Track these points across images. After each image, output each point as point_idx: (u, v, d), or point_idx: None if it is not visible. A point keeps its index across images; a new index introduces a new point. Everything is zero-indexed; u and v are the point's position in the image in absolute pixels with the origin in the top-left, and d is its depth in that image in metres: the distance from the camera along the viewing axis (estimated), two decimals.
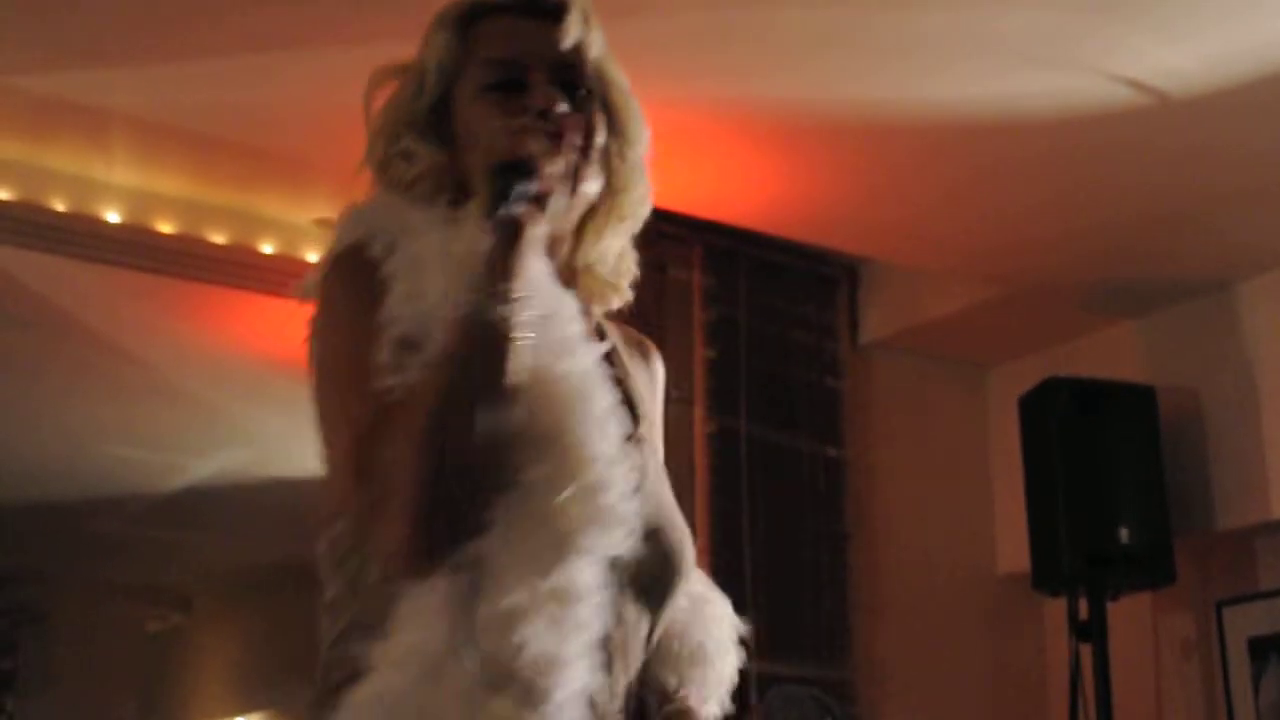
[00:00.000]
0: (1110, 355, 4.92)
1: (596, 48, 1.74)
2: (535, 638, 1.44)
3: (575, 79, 1.72)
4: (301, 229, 4.19)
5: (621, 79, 1.78)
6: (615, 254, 1.79)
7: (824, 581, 4.54)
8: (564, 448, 1.52)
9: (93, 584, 7.58)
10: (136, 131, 3.81)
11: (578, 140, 1.68)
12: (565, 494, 1.49)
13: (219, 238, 4.09)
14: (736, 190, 4.04)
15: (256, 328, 4.54)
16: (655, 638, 1.68)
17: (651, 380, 1.87)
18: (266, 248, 4.15)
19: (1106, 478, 4.39)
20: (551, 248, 1.69)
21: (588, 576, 1.49)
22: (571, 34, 1.72)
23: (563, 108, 1.68)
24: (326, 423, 1.64)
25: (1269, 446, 4.54)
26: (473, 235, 1.56)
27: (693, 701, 1.73)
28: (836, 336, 4.90)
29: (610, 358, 1.73)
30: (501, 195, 1.54)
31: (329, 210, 4.18)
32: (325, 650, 1.63)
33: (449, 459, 1.46)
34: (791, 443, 4.58)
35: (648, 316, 4.44)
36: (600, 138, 1.72)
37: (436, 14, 1.79)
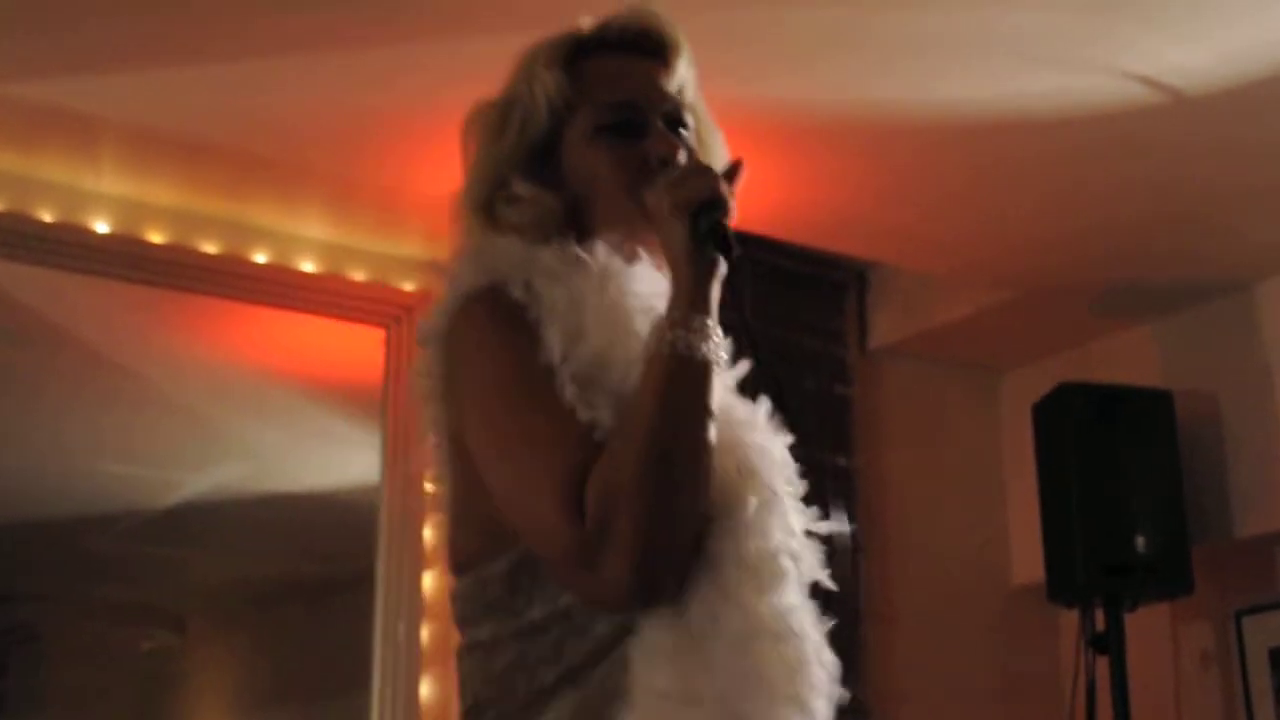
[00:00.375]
0: (1126, 359, 4.90)
1: (692, 86, 1.82)
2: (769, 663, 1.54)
3: (682, 120, 1.80)
4: (295, 238, 4.19)
5: (705, 110, 1.85)
6: None
7: (834, 592, 4.52)
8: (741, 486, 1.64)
9: (85, 603, 7.56)
10: (125, 139, 3.80)
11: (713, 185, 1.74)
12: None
13: (211, 247, 4.07)
14: (741, 194, 4.01)
15: (251, 339, 4.53)
16: None
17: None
18: (259, 257, 4.14)
19: (1122, 485, 4.37)
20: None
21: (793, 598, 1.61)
22: (680, 78, 1.80)
23: (682, 156, 1.75)
24: (501, 448, 1.64)
25: None
26: (646, 276, 1.68)
27: None
28: (845, 342, 4.89)
29: None
30: (710, 235, 1.62)
31: (323, 220, 4.20)
32: (482, 686, 1.65)
33: (675, 498, 1.54)
34: (800, 451, 4.56)
35: None
36: None
37: (538, 48, 1.84)
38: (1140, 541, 4.33)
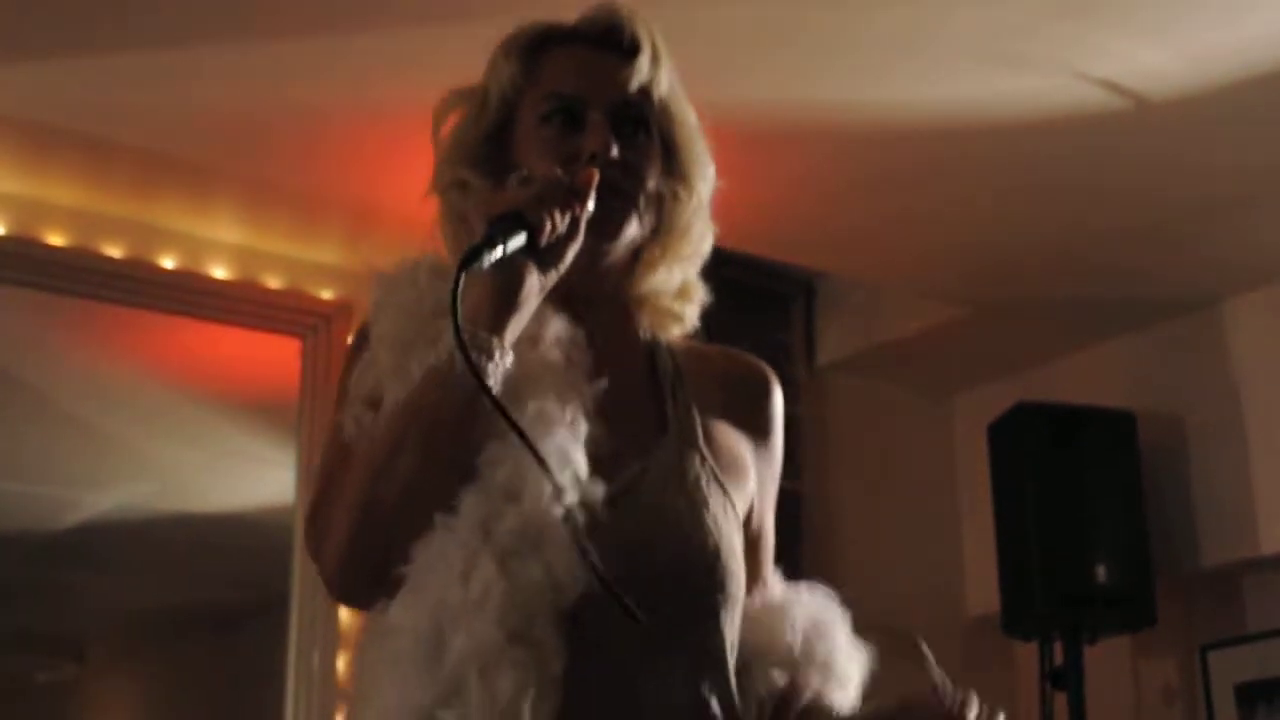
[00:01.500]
0: (1087, 378, 4.93)
1: (664, 85, 1.84)
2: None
3: (637, 119, 1.82)
4: (205, 242, 4.16)
5: (687, 115, 1.88)
6: (675, 285, 1.90)
7: None
8: (494, 479, 1.60)
9: None
10: (23, 134, 3.77)
11: (623, 186, 1.77)
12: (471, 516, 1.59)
13: (115, 251, 4.04)
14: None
15: (157, 350, 4.49)
16: (711, 647, 1.74)
17: (742, 408, 1.92)
18: (167, 262, 4.11)
19: (1083, 511, 4.40)
20: (595, 281, 1.80)
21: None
22: (640, 75, 1.82)
23: (614, 152, 1.77)
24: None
25: (1257, 478, 4.56)
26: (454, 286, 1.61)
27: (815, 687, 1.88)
28: (792, 358, 4.90)
29: (649, 382, 1.85)
30: (488, 244, 1.60)
31: (235, 223, 4.17)
32: None
33: (382, 503, 1.62)
34: None
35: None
36: (651, 182, 1.82)
37: (506, 38, 1.88)
38: (1101, 571, 4.36)
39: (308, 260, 4.29)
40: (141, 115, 3.68)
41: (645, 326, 1.90)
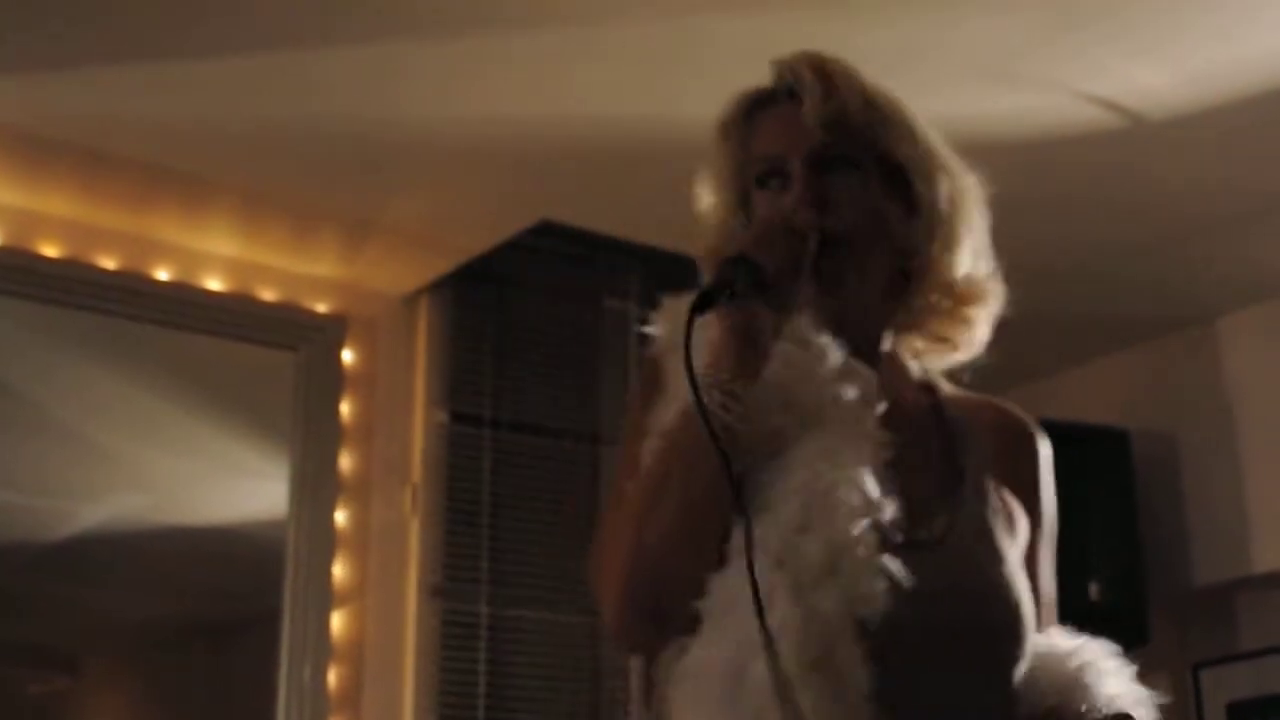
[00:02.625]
0: (1081, 395, 4.92)
1: (860, 110, 1.81)
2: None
3: (834, 157, 1.80)
4: (200, 254, 4.14)
5: (908, 130, 1.87)
6: (934, 309, 1.87)
7: None
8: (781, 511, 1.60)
9: None
10: (17, 145, 3.75)
11: (824, 226, 1.74)
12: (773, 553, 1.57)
13: (109, 262, 4.02)
14: (675, 212, 4.02)
15: (151, 362, 4.47)
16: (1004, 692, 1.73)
17: (1012, 461, 1.90)
18: (161, 274, 4.09)
19: (1076, 529, 4.36)
20: (843, 325, 1.74)
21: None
22: (818, 114, 1.79)
23: (802, 197, 1.75)
24: None
25: (1251, 496, 4.55)
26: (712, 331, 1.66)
27: None
28: None
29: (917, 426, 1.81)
30: (720, 286, 1.61)
31: (230, 236, 4.16)
32: None
33: (648, 547, 1.61)
34: None
35: (583, 348, 4.42)
36: (861, 211, 1.78)
37: (720, 119, 1.89)
38: (1094, 589, 4.34)
39: (302, 273, 4.28)
40: (136, 127, 3.66)
41: (918, 367, 1.90)
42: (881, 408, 1.72)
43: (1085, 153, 3.81)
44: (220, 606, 5.43)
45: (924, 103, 3.59)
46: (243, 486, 4.87)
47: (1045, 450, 1.95)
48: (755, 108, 1.86)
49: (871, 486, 1.62)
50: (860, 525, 1.59)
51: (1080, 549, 4.36)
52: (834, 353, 1.71)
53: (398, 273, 4.32)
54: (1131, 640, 4.42)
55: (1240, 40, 3.39)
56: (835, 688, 1.53)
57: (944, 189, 1.87)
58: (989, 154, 4.00)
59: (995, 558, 1.75)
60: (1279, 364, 4.64)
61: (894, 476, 1.66)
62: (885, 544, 1.60)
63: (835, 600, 1.55)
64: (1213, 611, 4.76)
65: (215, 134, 3.71)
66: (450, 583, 4.26)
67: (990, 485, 1.82)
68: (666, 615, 1.62)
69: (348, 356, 4.35)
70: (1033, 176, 3.94)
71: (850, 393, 1.70)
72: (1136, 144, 3.78)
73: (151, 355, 4.43)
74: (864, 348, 1.78)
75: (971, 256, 1.91)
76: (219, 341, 4.25)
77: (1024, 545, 1.85)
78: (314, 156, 3.80)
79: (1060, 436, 4.49)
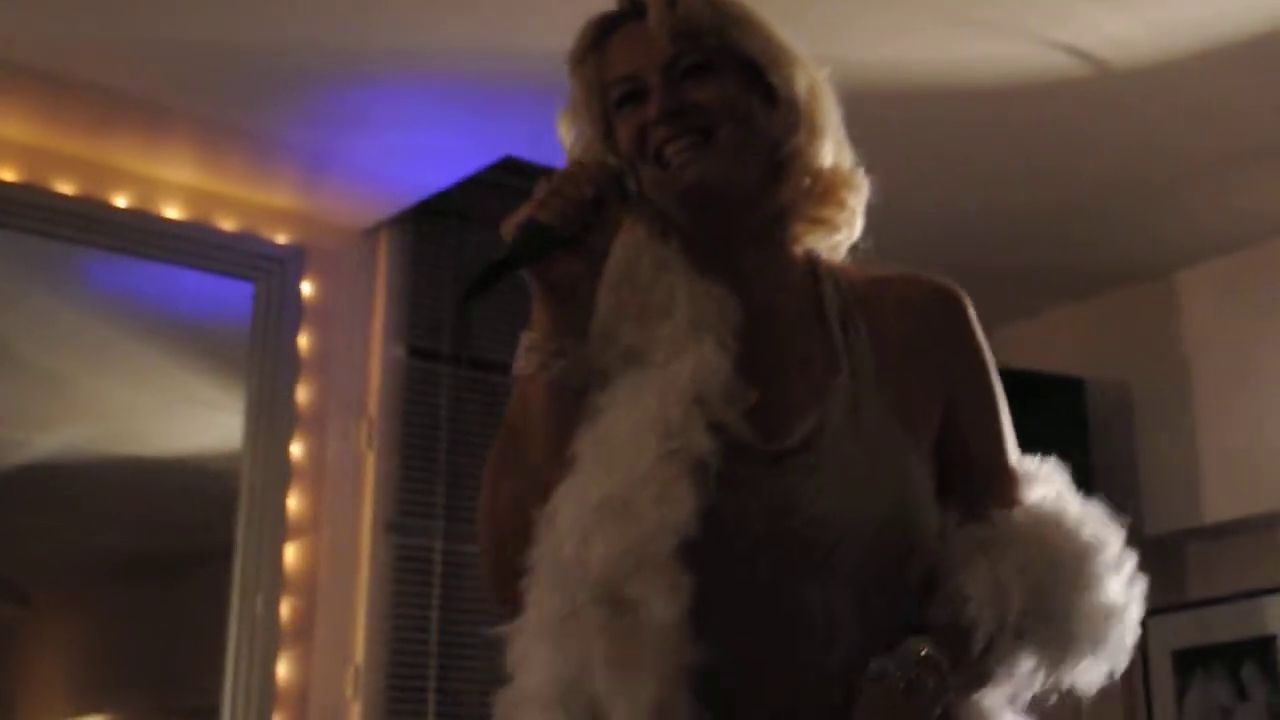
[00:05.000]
0: (1038, 344, 4.94)
1: (707, 14, 1.81)
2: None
3: (690, 65, 1.80)
4: (159, 182, 4.11)
5: (758, 27, 1.84)
6: (807, 190, 1.85)
7: None
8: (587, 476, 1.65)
9: None
10: None
11: (683, 126, 1.77)
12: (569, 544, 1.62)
13: (67, 188, 4.00)
14: None
15: (106, 289, 4.44)
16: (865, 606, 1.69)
17: (925, 333, 1.85)
18: (120, 201, 4.06)
19: None
20: (728, 225, 1.80)
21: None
22: (667, 24, 1.80)
23: (659, 110, 1.77)
24: None
25: (1202, 448, 4.59)
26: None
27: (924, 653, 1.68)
28: None
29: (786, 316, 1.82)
30: (494, 269, 1.68)
31: (190, 164, 4.11)
32: None
33: (497, 513, 1.73)
34: None
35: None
36: (721, 105, 1.78)
37: (570, 52, 1.90)
38: None
39: (262, 203, 4.26)
40: (96, 49, 3.62)
41: (801, 254, 1.87)
42: (735, 317, 1.75)
43: (1051, 103, 3.81)
44: (174, 539, 5.41)
45: (890, 47, 3.60)
46: (198, 418, 4.85)
47: (960, 310, 1.89)
48: (603, 33, 1.87)
49: (677, 415, 1.65)
50: (650, 462, 1.62)
51: None
52: (663, 279, 1.77)
53: (359, 206, 4.30)
54: None
55: None
56: (630, 620, 1.57)
57: (801, 81, 1.85)
58: (954, 100, 4.02)
59: (874, 452, 1.73)
60: (1235, 319, 4.67)
61: (745, 388, 1.70)
62: (700, 467, 1.63)
63: (621, 539, 1.59)
64: (1163, 561, 4.80)
65: (176, 58, 3.67)
66: (405, 518, 4.26)
67: (887, 369, 1.80)
68: (516, 576, 1.67)
69: (306, 288, 4.33)
70: (997, 124, 3.95)
71: (673, 319, 1.74)
72: (1101, 96, 3.78)
73: (108, 283, 4.40)
74: (746, 241, 1.82)
75: (835, 146, 1.89)
76: (177, 270, 4.22)
77: (936, 422, 1.81)
78: (277, 86, 3.77)
79: (1016, 384, 4.51)
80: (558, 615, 1.61)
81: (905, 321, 1.85)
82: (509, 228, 1.71)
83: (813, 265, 1.88)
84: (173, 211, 4.13)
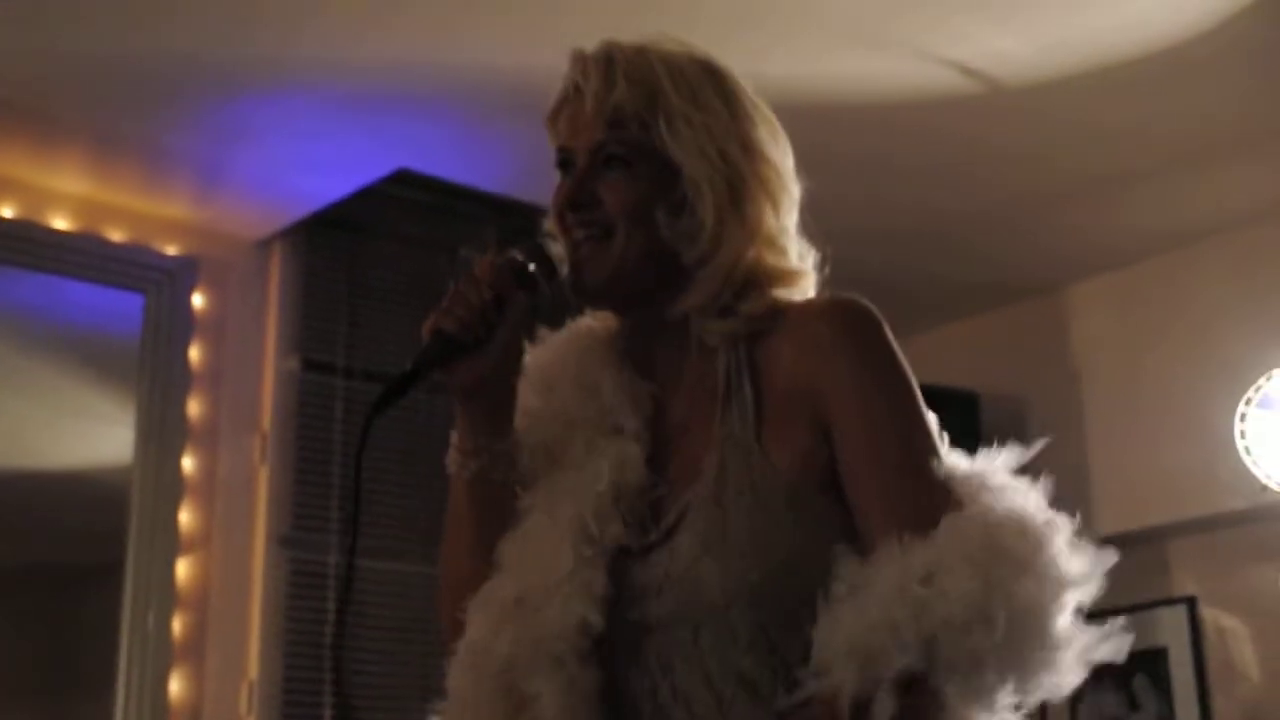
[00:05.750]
0: (932, 359, 4.96)
1: (638, 107, 1.81)
2: None
3: (610, 154, 1.82)
4: (48, 192, 4.06)
5: (692, 128, 1.84)
6: (712, 295, 1.82)
7: None
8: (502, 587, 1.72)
9: None
10: None
11: (584, 225, 1.80)
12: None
13: None
14: (533, 166, 4.00)
15: None
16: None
17: (804, 356, 1.78)
18: (7, 212, 4.01)
19: None
20: (644, 317, 1.84)
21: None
22: (592, 108, 1.81)
23: (567, 201, 1.81)
24: None
25: (1094, 461, 4.64)
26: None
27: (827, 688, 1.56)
28: None
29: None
30: (394, 388, 1.73)
31: (79, 174, 4.05)
32: None
33: (443, 589, 1.82)
34: None
35: (438, 298, 4.39)
36: (624, 208, 1.79)
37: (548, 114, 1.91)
38: None
39: (153, 214, 4.21)
40: None
41: (709, 337, 1.82)
42: (647, 409, 1.81)
43: (943, 118, 3.84)
44: (63, 552, 5.34)
45: (784, 64, 3.61)
46: (88, 431, 4.79)
47: (843, 324, 1.81)
48: (563, 101, 1.87)
49: (595, 519, 1.72)
50: (567, 565, 1.69)
51: None
52: (589, 374, 1.83)
53: (251, 217, 4.26)
54: None
55: (1097, 10, 3.44)
56: (528, 714, 1.66)
57: (715, 188, 1.83)
58: (848, 116, 4.04)
59: (736, 520, 1.69)
60: (1126, 332, 4.72)
61: (655, 481, 1.76)
62: (595, 564, 1.70)
63: (527, 634, 1.67)
64: None
65: (66, 68, 3.63)
66: (299, 532, 4.23)
67: (769, 423, 1.75)
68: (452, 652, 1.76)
69: (198, 300, 4.28)
70: (890, 140, 3.97)
71: (592, 419, 1.80)
72: (993, 111, 3.82)
73: None
74: (657, 333, 1.84)
75: (758, 245, 1.86)
76: (66, 282, 4.17)
77: (825, 462, 1.72)
78: (169, 96, 3.73)
79: None
80: (459, 700, 1.70)
81: (790, 356, 1.79)
82: (425, 331, 1.75)
83: (729, 338, 1.82)
84: (61, 222, 4.08)
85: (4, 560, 6.47)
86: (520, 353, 1.79)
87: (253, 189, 4.13)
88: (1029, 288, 4.82)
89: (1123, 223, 4.44)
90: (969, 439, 5.13)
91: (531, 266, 1.77)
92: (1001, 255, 4.64)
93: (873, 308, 1.84)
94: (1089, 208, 4.33)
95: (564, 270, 1.80)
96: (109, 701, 4.09)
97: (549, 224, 1.85)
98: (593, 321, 1.88)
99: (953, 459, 1.81)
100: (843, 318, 1.82)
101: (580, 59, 1.85)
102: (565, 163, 1.84)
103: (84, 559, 4.93)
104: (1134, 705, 4.62)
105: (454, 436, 1.79)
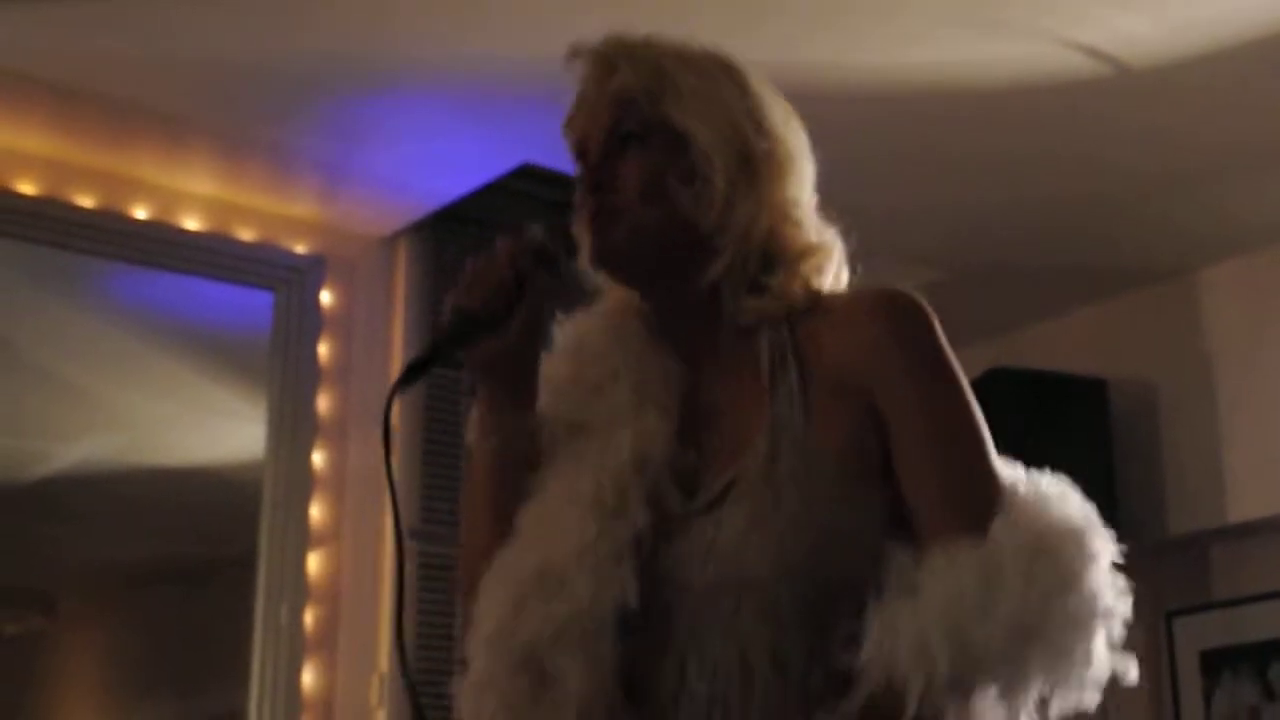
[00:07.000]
0: (1060, 345, 4.93)
1: (643, 85, 1.83)
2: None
3: (627, 135, 1.83)
4: (178, 193, 4.12)
5: (700, 100, 1.85)
6: (737, 267, 1.82)
7: None
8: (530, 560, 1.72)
9: None
10: None
11: (604, 206, 1.81)
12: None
13: (86, 201, 4.01)
14: None
15: (127, 301, 4.46)
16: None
17: (850, 350, 1.77)
18: (140, 213, 4.07)
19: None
20: (667, 297, 1.85)
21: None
22: (598, 94, 1.85)
23: (588, 183, 1.83)
24: None
25: (1227, 446, 4.57)
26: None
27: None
28: None
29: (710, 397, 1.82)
30: (416, 367, 1.78)
31: (209, 175, 4.12)
32: None
33: (462, 570, 1.85)
34: None
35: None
36: (640, 186, 1.81)
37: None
38: None
39: (281, 213, 4.26)
40: (114, 63, 3.63)
41: (744, 314, 1.82)
42: (680, 385, 1.81)
43: (1068, 101, 3.81)
44: (197, 548, 5.44)
45: (907, 51, 3.60)
46: (220, 427, 4.87)
47: (893, 318, 1.78)
48: (575, 110, 1.90)
49: (616, 489, 1.71)
50: (588, 536, 1.69)
51: None
52: (615, 350, 1.84)
53: (377, 214, 4.31)
54: None
55: None
56: (552, 692, 1.66)
57: (724, 156, 1.82)
58: (970, 102, 4.02)
59: (787, 500, 1.69)
60: (1258, 316, 4.65)
61: (684, 452, 1.75)
62: (637, 540, 1.69)
63: (552, 611, 1.66)
64: (1187, 561, 4.79)
65: (194, 71, 3.68)
66: (427, 525, 4.26)
67: (817, 409, 1.74)
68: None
69: (326, 297, 4.34)
70: (1015, 125, 3.94)
71: (618, 390, 1.80)
72: (1120, 93, 3.77)
73: (129, 295, 4.42)
74: (686, 311, 1.84)
75: (772, 215, 1.85)
76: (197, 281, 4.24)
77: (878, 448, 1.72)
78: (295, 97, 3.78)
79: (1040, 385, 4.54)
80: (480, 678, 1.72)
81: (839, 346, 1.77)
82: (446, 309, 1.79)
83: (766, 317, 1.81)
84: (192, 223, 4.14)
85: (139, 554, 6.60)
86: (540, 330, 1.82)
87: (378, 187, 4.18)
88: (1159, 272, 4.76)
89: (1255, 204, 4.38)
90: (1098, 426, 5.08)
91: (551, 245, 1.81)
92: (1130, 240, 4.58)
93: (923, 301, 1.80)
94: (1219, 191, 4.28)
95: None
96: (243, 693, 4.14)
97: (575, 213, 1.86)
98: (627, 294, 1.89)
99: (999, 462, 1.82)
100: (896, 313, 1.80)
101: (580, 50, 1.89)
102: (578, 154, 1.86)
103: (217, 553, 5.01)
104: (1271, 695, 4.56)
105: (474, 411, 1.83)
